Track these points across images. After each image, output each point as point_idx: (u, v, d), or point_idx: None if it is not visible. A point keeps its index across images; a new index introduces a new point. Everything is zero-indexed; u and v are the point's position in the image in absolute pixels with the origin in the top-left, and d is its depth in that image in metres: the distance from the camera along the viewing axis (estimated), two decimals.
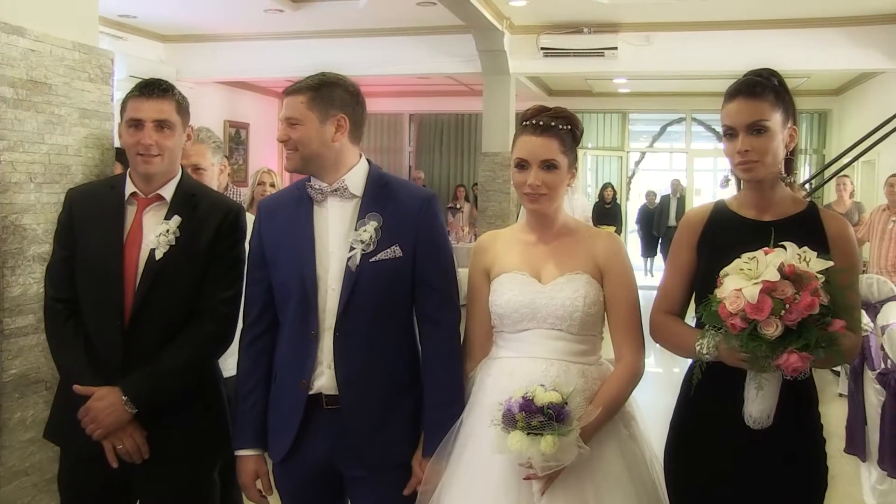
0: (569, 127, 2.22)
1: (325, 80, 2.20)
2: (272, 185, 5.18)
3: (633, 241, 14.26)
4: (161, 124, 2.31)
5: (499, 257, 2.29)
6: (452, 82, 11.60)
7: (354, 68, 9.28)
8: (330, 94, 2.19)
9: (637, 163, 14.76)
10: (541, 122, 2.19)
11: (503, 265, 2.26)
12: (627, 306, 2.19)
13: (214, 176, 3.11)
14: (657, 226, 13.76)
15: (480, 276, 2.31)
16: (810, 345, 1.80)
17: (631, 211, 13.98)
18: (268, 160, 12.89)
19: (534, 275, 2.22)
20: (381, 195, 2.23)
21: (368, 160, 2.32)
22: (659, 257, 13.81)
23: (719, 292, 1.91)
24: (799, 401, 2.02)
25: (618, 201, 12.71)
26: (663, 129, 14.10)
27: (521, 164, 2.19)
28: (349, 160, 2.25)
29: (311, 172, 2.23)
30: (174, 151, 2.36)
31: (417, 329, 2.27)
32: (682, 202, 13.04)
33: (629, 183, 14.15)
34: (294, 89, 2.17)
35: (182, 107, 2.37)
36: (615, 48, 9.04)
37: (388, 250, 2.17)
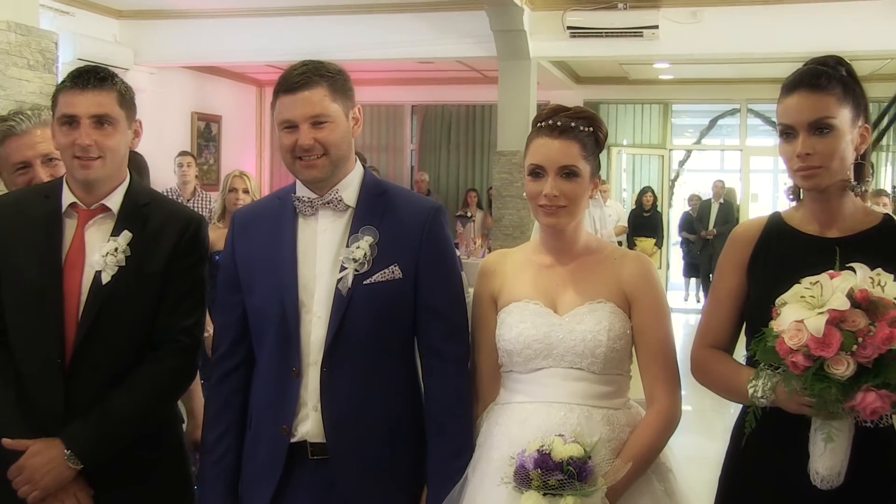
0: (591, 129, 2.24)
1: (331, 67, 2.23)
2: (246, 192, 5.21)
3: (677, 256, 14.16)
4: (100, 120, 2.29)
5: (508, 282, 2.29)
6: (462, 68, 11.62)
7: (345, 51, 9.33)
8: (345, 83, 2.24)
9: (682, 162, 14.75)
10: (558, 123, 2.21)
11: (513, 292, 2.27)
12: (659, 339, 2.20)
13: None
14: (695, 238, 13.35)
15: (487, 305, 2.32)
16: (891, 383, 1.78)
17: (675, 220, 13.91)
18: (244, 160, 12.96)
19: (549, 304, 2.23)
20: (377, 206, 2.25)
21: (363, 164, 2.35)
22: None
23: (776, 324, 1.90)
24: (878, 452, 1.98)
25: (658, 208, 12.67)
26: (713, 122, 14.08)
27: (536, 172, 2.21)
28: (350, 164, 2.29)
29: (333, 182, 2.25)
30: (118, 152, 2.34)
31: (420, 364, 2.28)
32: (726, 209, 12.86)
33: (672, 186, 14.14)
34: (306, 81, 2.18)
35: (126, 98, 2.35)
36: (656, 27, 9.04)
37: (386, 271, 2.19)
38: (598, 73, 12.63)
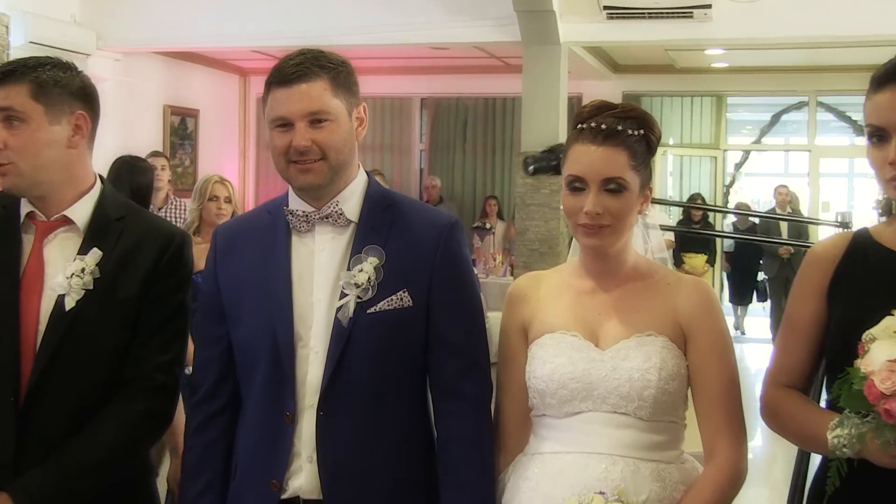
0: (641, 132, 2.23)
1: (333, 57, 2.25)
2: (228, 201, 5.22)
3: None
4: (7, 116, 2.28)
5: (541, 310, 2.30)
6: (480, 55, 11.67)
7: (343, 35, 9.38)
8: (348, 77, 2.26)
9: (739, 165, 14.74)
10: (603, 126, 2.20)
11: (547, 322, 2.28)
12: (721, 381, 2.20)
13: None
14: (750, 258, 12.93)
15: (515, 337, 2.32)
16: None
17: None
18: (225, 161, 13.02)
19: (589, 336, 2.23)
20: (383, 221, 2.26)
21: (367, 171, 2.36)
22: (757, 306, 13.49)
23: (863, 363, 1.88)
24: None
25: (710, 219, 12.67)
26: (776, 117, 14.09)
27: (576, 185, 2.21)
28: (352, 171, 2.30)
29: (332, 192, 2.26)
30: (38, 153, 2.31)
31: (433, 406, 2.28)
32: (794, 224, 12.64)
33: (727, 193, 14.13)
34: (303, 72, 2.19)
35: (45, 90, 2.30)
36: (708, 6, 9.05)
37: (393, 297, 2.20)
38: (640, 61, 12.66)
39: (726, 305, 13.60)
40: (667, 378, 2.17)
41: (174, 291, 2.38)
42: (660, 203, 9.23)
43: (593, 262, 2.29)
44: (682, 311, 2.21)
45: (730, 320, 13.38)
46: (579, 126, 2.24)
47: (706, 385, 2.19)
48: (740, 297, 13.24)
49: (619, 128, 2.20)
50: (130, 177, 5.31)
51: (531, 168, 6.80)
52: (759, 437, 4.98)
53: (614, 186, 2.18)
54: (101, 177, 2.47)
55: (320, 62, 2.21)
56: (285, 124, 2.20)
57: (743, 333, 13.05)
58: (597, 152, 2.19)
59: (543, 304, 2.31)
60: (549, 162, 6.88)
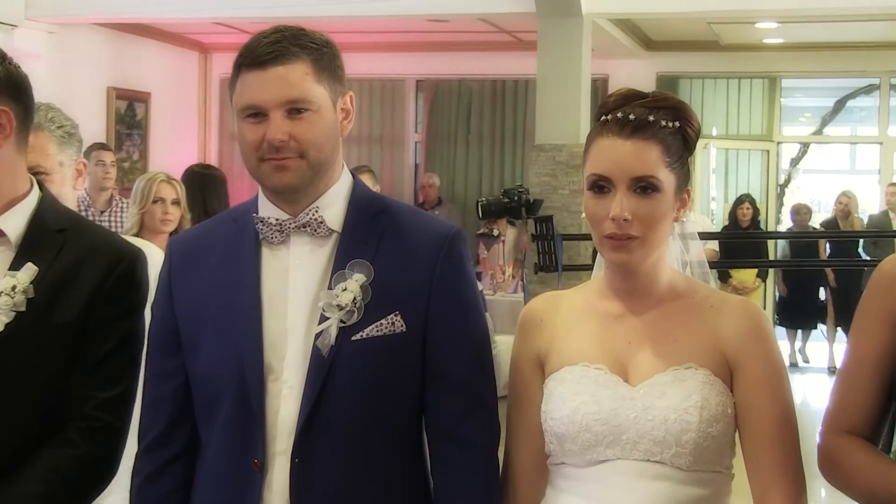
0: (676, 123, 2.25)
1: (316, 36, 2.26)
2: (176, 204, 5.24)
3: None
4: None
5: (560, 338, 2.31)
6: (487, 28, 11.70)
7: (323, 5, 9.39)
8: (333, 60, 2.27)
9: (796, 160, 14.75)
10: (631, 116, 2.22)
11: (567, 352, 2.29)
12: (774, 422, 2.20)
13: (66, 183, 3.13)
14: (807, 275, 12.58)
15: (529, 370, 2.34)
16: None
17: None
18: (182, 154, 12.98)
19: (617, 369, 2.24)
20: (372, 230, 2.28)
21: (352, 171, 2.38)
22: (817, 333, 13.33)
23: None
24: None
25: (761, 224, 12.64)
26: (841, 103, 14.10)
27: (600, 185, 2.22)
28: (335, 171, 2.32)
29: (312, 195, 2.27)
30: None
31: (429, 452, 2.30)
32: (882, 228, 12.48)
33: (781, 194, 14.12)
34: (280, 53, 2.20)
35: None
36: None
37: (384, 321, 2.21)
38: (678, 36, 12.68)
39: (778, 329, 13.55)
40: (709, 419, 2.17)
41: (123, 316, 2.39)
42: None
43: (621, 281, 2.30)
44: (727, 339, 2.22)
45: (784, 348, 13.14)
46: (603, 118, 2.26)
47: (757, 427, 2.20)
48: (800, 318, 12.94)
49: (651, 118, 2.21)
50: (203, 193, 5.46)
51: (480, 211, 7.05)
52: (821, 488, 4.97)
53: (645, 185, 2.20)
54: (39, 183, 2.48)
55: (300, 41, 2.22)
56: (258, 114, 2.20)
57: (807, 361, 12.81)
58: (624, 146, 2.20)
59: (563, 330, 2.32)
60: (502, 205, 7.07)
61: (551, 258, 6.59)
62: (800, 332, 12.93)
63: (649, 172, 2.19)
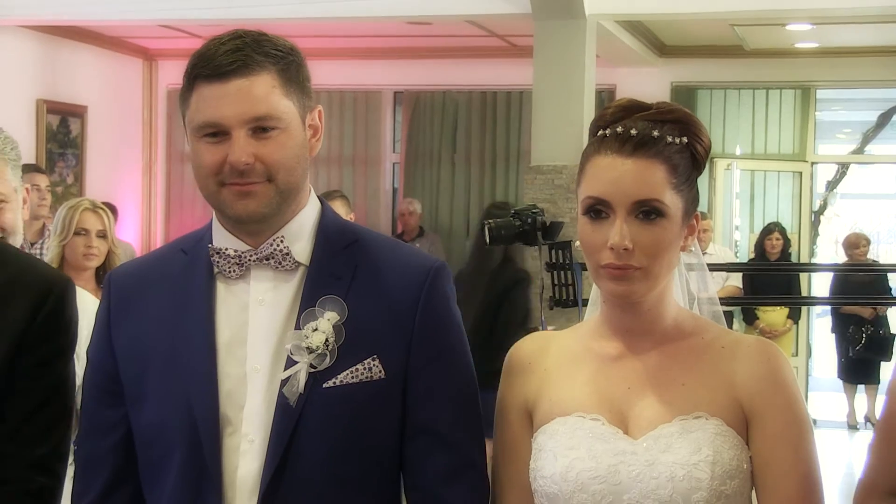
0: (685, 139, 2.26)
1: (280, 42, 2.26)
2: (102, 237, 5.22)
3: (823, 343, 13.88)
4: None
5: (550, 385, 2.32)
6: (476, 32, 11.73)
7: (285, 5, 9.40)
8: (299, 70, 2.29)
9: (833, 183, 14.80)
10: (632, 131, 2.22)
11: (558, 401, 2.29)
12: (797, 482, 2.20)
13: (19, 210, 3.16)
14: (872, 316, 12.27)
15: (517, 421, 2.35)
16: None
17: (822, 278, 13.78)
18: (123, 177, 13.01)
19: (616, 420, 2.25)
20: (344, 264, 2.29)
21: (320, 198, 2.40)
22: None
23: None
24: None
25: (793, 258, 12.64)
26: (885, 117, 14.17)
27: (597, 209, 2.23)
28: (303, 197, 2.33)
29: (277, 224, 2.28)
30: None
31: None
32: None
33: (816, 222, 14.15)
34: (243, 63, 2.19)
35: None
36: None
37: (360, 367, 2.22)
38: (696, 41, 12.72)
39: (829, 381, 13.54)
40: (722, 476, 2.17)
41: (54, 360, 2.41)
42: None
43: (621, 317, 2.31)
44: (742, 384, 2.23)
45: (841, 405, 12.90)
46: (601, 133, 2.26)
47: (776, 486, 2.20)
48: (852, 372, 12.62)
49: (656, 134, 2.23)
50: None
51: (488, 236, 6.80)
52: None
53: (649, 210, 2.20)
54: None
55: (264, 48, 2.23)
56: (217, 133, 2.21)
57: (867, 423, 12.32)
58: (625, 166, 2.21)
59: (554, 375, 2.32)
60: (513, 228, 6.88)
61: (569, 290, 6.47)
62: (862, 387, 12.60)
63: (653, 196, 2.20)
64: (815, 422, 12.38)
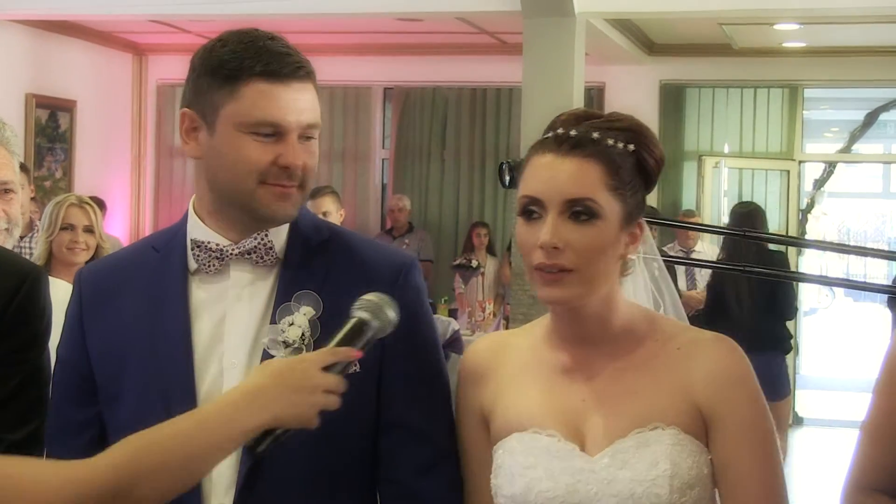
0: (630, 146, 2.23)
1: (273, 42, 2.27)
2: (90, 231, 5.21)
3: (811, 341, 13.85)
4: None
5: (504, 393, 2.31)
6: (466, 29, 11.69)
7: (278, 2, 9.37)
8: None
9: (820, 181, 14.77)
10: (572, 132, 2.21)
11: (513, 413, 2.28)
12: (759, 484, 2.18)
13: (22, 203, 3.17)
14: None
15: (476, 428, 2.34)
16: None
17: (809, 271, 13.79)
18: (112, 172, 12.96)
19: (572, 435, 2.22)
20: (319, 259, 2.31)
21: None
22: None
23: None
24: None
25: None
26: (872, 116, 14.15)
27: (530, 209, 2.21)
28: None
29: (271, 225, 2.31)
30: None
31: None
32: None
33: (804, 220, 14.14)
34: (299, 69, 2.23)
35: None
36: None
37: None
38: (685, 39, 12.69)
39: (817, 379, 13.40)
40: (682, 488, 2.14)
41: (27, 347, 2.42)
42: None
43: (567, 327, 2.29)
44: (699, 387, 2.19)
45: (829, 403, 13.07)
46: (544, 136, 2.26)
47: (737, 488, 2.17)
48: None
49: (595, 136, 2.20)
50: None
51: (508, 177, 6.54)
52: None
53: (582, 210, 2.17)
54: None
55: (300, 53, 2.27)
56: (274, 134, 2.22)
57: None
58: (560, 165, 2.19)
59: (508, 383, 2.31)
60: None
61: None
62: None
63: (585, 194, 2.17)
64: (802, 420, 12.50)
